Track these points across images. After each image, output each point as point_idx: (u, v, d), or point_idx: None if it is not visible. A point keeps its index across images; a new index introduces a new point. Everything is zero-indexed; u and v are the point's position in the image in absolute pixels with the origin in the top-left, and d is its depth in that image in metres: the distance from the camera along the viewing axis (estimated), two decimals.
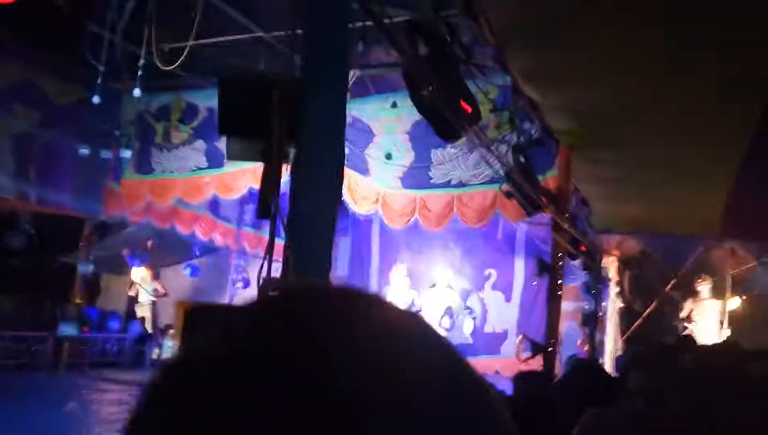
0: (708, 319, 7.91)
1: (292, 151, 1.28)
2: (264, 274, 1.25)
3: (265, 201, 1.26)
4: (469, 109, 2.39)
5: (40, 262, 10.79)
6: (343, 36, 1.36)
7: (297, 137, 1.22)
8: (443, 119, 2.36)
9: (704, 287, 8.12)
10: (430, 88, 2.18)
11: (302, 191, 1.26)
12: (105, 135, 9.75)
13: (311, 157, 1.25)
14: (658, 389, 2.01)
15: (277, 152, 1.21)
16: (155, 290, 11.67)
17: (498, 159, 4.09)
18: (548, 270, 4.76)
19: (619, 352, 8.18)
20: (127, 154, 9.89)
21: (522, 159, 4.45)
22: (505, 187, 4.66)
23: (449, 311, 11.40)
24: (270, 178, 1.25)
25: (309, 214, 1.25)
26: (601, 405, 2.05)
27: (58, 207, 10.06)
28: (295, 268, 1.21)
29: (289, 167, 1.30)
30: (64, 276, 11.26)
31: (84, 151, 9.71)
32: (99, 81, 7.45)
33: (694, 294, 8.23)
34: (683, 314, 8.13)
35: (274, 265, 1.26)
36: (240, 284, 12.58)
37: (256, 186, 7.35)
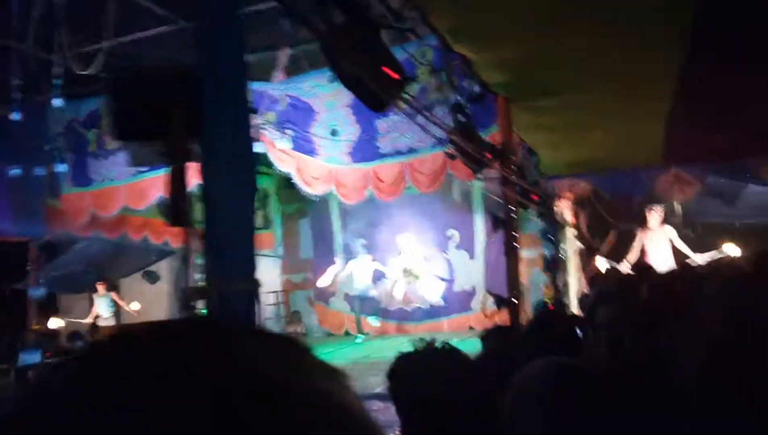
0: (660, 248, 8.17)
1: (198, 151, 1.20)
2: (183, 283, 1.18)
3: (175, 207, 1.18)
4: (396, 76, 2.32)
5: None
6: (237, 21, 1.27)
7: (198, 134, 1.14)
8: (368, 90, 2.29)
9: (653, 217, 8.36)
10: (350, 59, 2.09)
11: (214, 191, 1.18)
12: (36, 151, 9.28)
13: (217, 154, 1.17)
14: (614, 323, 2.03)
15: (178, 153, 1.13)
16: (113, 302, 11.33)
17: (436, 123, 4.04)
18: (503, 224, 4.80)
19: (583, 292, 8.42)
20: (62, 168, 9.46)
21: (461, 117, 4.42)
22: (449, 149, 4.64)
23: (419, 275, 11.50)
24: (176, 182, 1.16)
25: (224, 213, 1.17)
26: (565, 351, 2.07)
27: None
28: (216, 273, 1.14)
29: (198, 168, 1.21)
30: (17, 303, 10.82)
31: (15, 171, 9.23)
32: (16, 96, 7.02)
33: (644, 225, 8.46)
34: (635, 245, 8.36)
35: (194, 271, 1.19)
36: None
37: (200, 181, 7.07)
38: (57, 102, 7.49)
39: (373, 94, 2.32)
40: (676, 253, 8.10)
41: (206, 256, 1.14)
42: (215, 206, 1.17)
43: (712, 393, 1.22)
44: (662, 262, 7.61)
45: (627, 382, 1.45)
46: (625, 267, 7.87)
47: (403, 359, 1.43)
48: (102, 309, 11.21)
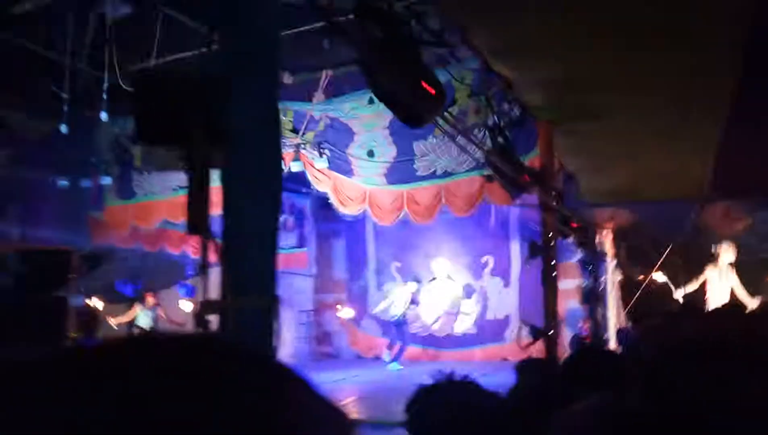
0: (721, 288, 7.84)
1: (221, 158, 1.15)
2: (201, 296, 1.12)
3: (192, 214, 1.13)
4: (432, 91, 2.25)
5: (30, 300, 10.62)
6: (271, 28, 1.23)
7: (223, 140, 1.09)
8: (405, 105, 2.22)
9: (725, 255, 8.05)
10: (387, 73, 2.05)
11: (236, 202, 1.13)
12: (82, 164, 9.60)
13: (243, 163, 1.12)
14: (655, 361, 1.88)
15: (198, 158, 1.08)
16: (155, 314, 11.49)
17: (476, 144, 3.96)
18: (540, 251, 4.64)
19: (621, 325, 8.10)
20: (107, 181, 9.74)
21: (500, 139, 4.32)
22: (487, 171, 4.53)
23: (452, 303, 11.33)
24: (194, 188, 1.12)
25: (245, 225, 1.12)
26: (606, 387, 1.92)
27: (44, 242, 9.89)
28: (232, 286, 1.08)
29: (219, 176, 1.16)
30: (57, 311, 11.09)
31: (63, 182, 9.56)
32: (66, 110, 7.28)
33: (707, 260, 8.16)
34: (699, 278, 8.06)
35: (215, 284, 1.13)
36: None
37: None
38: (104, 117, 7.73)
39: (410, 110, 2.25)
40: (733, 296, 7.77)
41: (222, 268, 1.08)
42: (235, 216, 1.11)
43: None
44: (719, 301, 7.28)
45: (679, 426, 1.31)
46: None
47: (422, 392, 1.34)
48: (143, 320, 11.36)
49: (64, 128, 7.60)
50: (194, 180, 1.10)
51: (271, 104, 1.15)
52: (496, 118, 4.48)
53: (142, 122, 1.07)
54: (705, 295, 7.79)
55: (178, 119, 1.08)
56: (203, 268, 1.11)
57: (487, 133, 4.62)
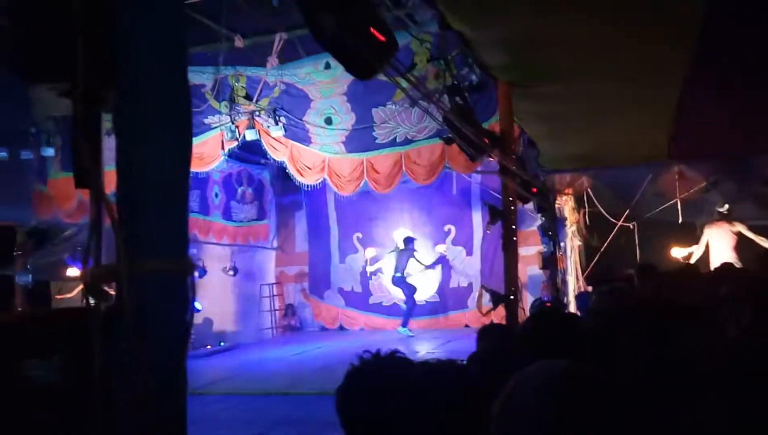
0: (723, 244, 7.87)
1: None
2: (91, 257, 0.94)
3: (79, 162, 0.95)
4: (382, 38, 2.07)
5: None
6: None
7: (113, 68, 0.90)
8: (352, 53, 2.04)
9: (720, 213, 8.07)
10: (332, 18, 1.86)
11: (132, 149, 0.94)
12: (22, 135, 9.02)
13: (139, 104, 0.93)
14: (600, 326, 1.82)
15: (83, 95, 0.89)
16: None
17: (435, 103, 3.79)
18: (501, 216, 4.56)
19: (581, 290, 8.21)
20: (49, 152, 9.20)
21: (458, 100, 4.17)
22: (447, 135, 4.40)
23: (411, 271, 11.31)
24: (79, 131, 0.93)
25: (145, 175, 0.94)
26: (563, 350, 1.84)
27: None
28: (134, 251, 0.90)
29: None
30: (3, 290, 10.59)
31: (1, 154, 8.98)
32: None
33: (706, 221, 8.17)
34: (702, 240, 8.10)
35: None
36: (195, 273, 12.07)
37: (193, 170, 6.83)
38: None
39: (358, 58, 2.07)
40: (739, 247, 7.81)
41: (117, 227, 0.90)
42: (131, 165, 0.93)
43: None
44: (724, 258, 7.34)
45: (639, 392, 1.24)
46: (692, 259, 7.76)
47: (349, 374, 1.23)
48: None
49: None
50: (78, 121, 0.91)
51: (175, 38, 0.96)
52: (455, 81, 4.32)
53: (12, 49, 0.87)
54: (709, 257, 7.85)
55: (57, 48, 0.88)
56: (95, 228, 0.93)
57: (446, 95, 4.46)
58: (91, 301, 0.92)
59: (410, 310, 10.34)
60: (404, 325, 10.23)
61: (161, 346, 0.90)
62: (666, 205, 8.54)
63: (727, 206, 8.03)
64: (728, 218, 7.97)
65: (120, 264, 0.89)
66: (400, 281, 10.47)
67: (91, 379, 0.87)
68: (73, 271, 10.27)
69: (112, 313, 0.90)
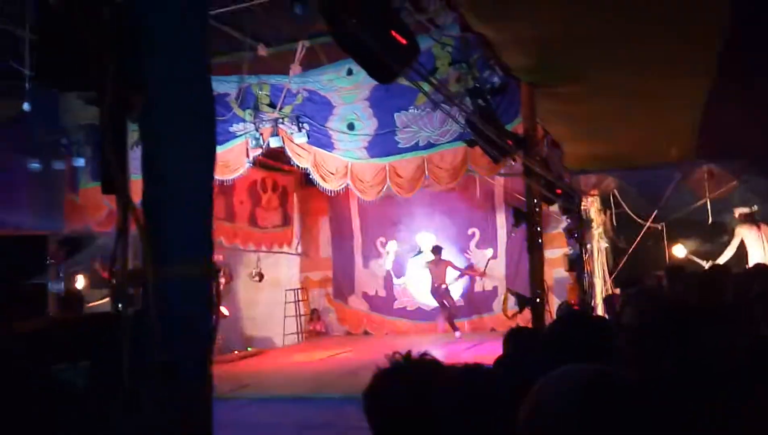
0: (759, 246, 7.71)
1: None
2: (117, 263, 0.96)
3: (107, 168, 0.97)
4: (403, 41, 2.07)
5: (6, 288, 10.38)
6: None
7: (141, 87, 0.92)
8: (373, 56, 2.04)
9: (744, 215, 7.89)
10: (352, 21, 1.86)
11: (158, 156, 0.96)
12: (53, 146, 9.27)
13: (165, 113, 0.94)
14: (638, 327, 1.80)
15: (110, 101, 0.91)
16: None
17: (457, 105, 3.77)
18: (525, 218, 4.52)
19: (609, 292, 8.07)
20: (80, 162, 9.43)
21: (481, 102, 4.15)
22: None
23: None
24: (107, 137, 0.95)
25: (169, 181, 0.95)
26: (591, 353, 1.81)
27: (17, 228, 9.60)
28: (159, 256, 0.92)
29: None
30: (37, 298, 10.86)
31: (35, 165, 9.23)
32: (28, 87, 6.94)
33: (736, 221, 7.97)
34: (734, 241, 7.92)
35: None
36: (222, 280, 12.21)
37: (220, 177, 6.94)
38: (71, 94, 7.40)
39: (380, 62, 2.07)
40: None
41: (142, 232, 0.92)
42: (155, 171, 0.95)
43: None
44: (758, 258, 7.17)
45: (665, 395, 1.21)
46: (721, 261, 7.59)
47: (379, 375, 1.21)
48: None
49: (26, 106, 7.25)
50: (104, 128, 0.93)
51: (198, 47, 0.98)
52: (476, 83, 4.30)
53: (44, 61, 0.89)
54: (746, 257, 7.64)
55: (86, 58, 0.90)
56: (121, 234, 0.95)
57: (468, 97, 4.44)
58: (119, 307, 0.94)
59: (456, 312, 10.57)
60: (456, 328, 10.36)
61: (186, 350, 0.92)
62: (696, 206, 8.35)
63: (755, 207, 7.82)
64: (754, 220, 7.79)
65: (146, 268, 0.90)
66: (445, 293, 10.52)
67: (119, 383, 0.89)
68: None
69: (138, 318, 0.92)
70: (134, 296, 0.95)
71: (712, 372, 1.24)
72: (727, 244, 8.12)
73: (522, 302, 4.46)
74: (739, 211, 7.90)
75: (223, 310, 12.06)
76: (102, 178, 0.99)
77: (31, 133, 8.68)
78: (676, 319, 1.44)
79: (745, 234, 7.88)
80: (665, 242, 9.07)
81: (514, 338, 2.93)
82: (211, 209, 1.00)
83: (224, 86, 8.81)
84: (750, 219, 7.87)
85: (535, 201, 4.62)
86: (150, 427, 0.88)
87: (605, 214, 9.04)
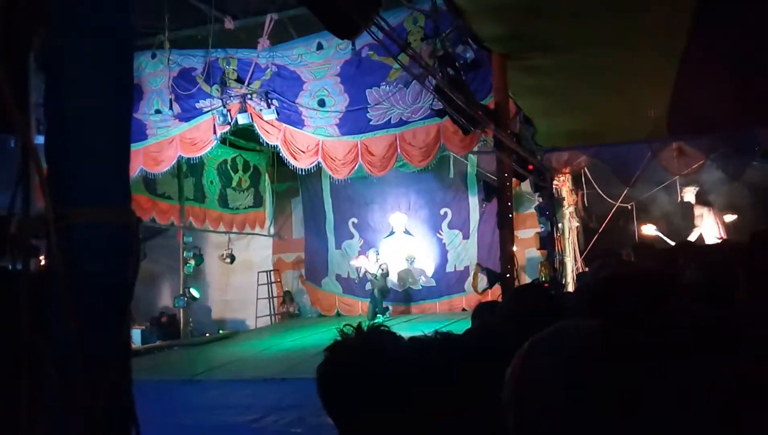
0: (711, 226, 8.00)
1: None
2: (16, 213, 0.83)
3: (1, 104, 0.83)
4: None
5: None
6: None
7: (40, 8, 0.79)
8: (334, 9, 1.90)
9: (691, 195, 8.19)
10: None
11: (62, 85, 0.83)
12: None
13: (70, 36, 0.81)
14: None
15: (3, 30, 0.78)
16: None
17: (421, 65, 3.63)
18: (496, 193, 4.45)
19: (580, 271, 8.12)
20: (40, 139, 9.06)
21: (451, 71, 4.04)
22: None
23: (409, 256, 11.22)
24: (2, 68, 0.81)
25: (77, 109, 0.82)
26: (543, 324, 1.77)
27: None
28: (63, 196, 0.79)
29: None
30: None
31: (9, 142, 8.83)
32: None
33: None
34: (698, 220, 8.18)
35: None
36: (192, 262, 11.96)
37: (186, 155, 6.67)
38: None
39: (340, 15, 1.93)
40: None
41: (41, 172, 0.79)
42: (61, 104, 0.82)
43: None
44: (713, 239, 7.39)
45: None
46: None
47: (328, 350, 1.14)
48: None
49: None
50: None
51: None
52: (447, 51, 4.18)
53: None
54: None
55: None
56: (22, 176, 0.82)
57: (438, 67, 4.32)
58: (18, 261, 0.82)
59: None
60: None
61: (98, 310, 0.80)
62: (665, 184, 8.43)
63: (692, 189, 8.15)
64: (706, 201, 8.14)
65: (47, 214, 0.78)
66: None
67: (19, 349, 0.76)
68: None
69: (41, 273, 0.80)
70: (37, 248, 0.83)
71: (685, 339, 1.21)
72: (694, 223, 8.30)
73: (492, 278, 4.41)
74: (687, 190, 8.19)
75: (195, 292, 11.87)
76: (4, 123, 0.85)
77: None
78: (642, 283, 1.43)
79: (705, 214, 8.12)
80: (635, 222, 9.16)
81: (482, 312, 2.88)
82: (128, 149, 0.88)
83: (190, 60, 8.51)
84: (702, 200, 8.18)
85: (506, 175, 4.55)
86: (56, 399, 0.76)
87: (577, 193, 9.08)
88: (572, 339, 0.88)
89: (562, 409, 0.78)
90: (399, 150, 8.16)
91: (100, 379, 0.77)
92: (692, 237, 8.09)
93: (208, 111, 8.50)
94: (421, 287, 11.16)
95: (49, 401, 0.77)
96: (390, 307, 10.71)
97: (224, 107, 8.34)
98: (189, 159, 9.39)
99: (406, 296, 11.26)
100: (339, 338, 1.19)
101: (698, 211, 8.29)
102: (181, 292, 11.40)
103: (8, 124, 0.83)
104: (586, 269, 8.20)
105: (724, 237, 7.17)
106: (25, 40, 0.81)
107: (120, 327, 0.81)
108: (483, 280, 5.78)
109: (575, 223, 8.96)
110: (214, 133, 8.57)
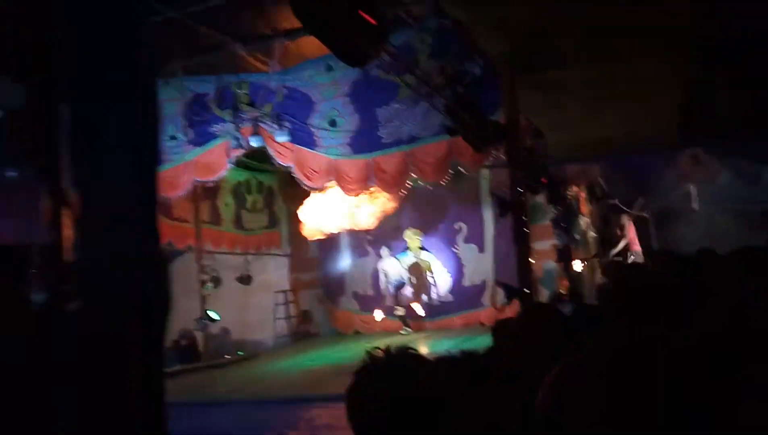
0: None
1: None
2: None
3: (35, 153, 0.86)
4: (373, 21, 1.97)
5: None
6: None
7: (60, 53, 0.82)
8: (342, 39, 1.94)
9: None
10: (319, 3, 1.76)
11: (90, 132, 0.86)
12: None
13: (95, 83, 0.85)
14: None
15: (30, 67, 0.82)
16: None
17: (434, 89, 3.67)
18: (510, 207, 4.45)
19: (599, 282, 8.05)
20: None
21: (460, 89, 4.07)
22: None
23: (426, 272, 11.20)
24: (31, 110, 0.84)
25: (105, 158, 0.86)
26: (554, 347, 1.77)
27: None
28: (87, 241, 0.82)
29: None
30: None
31: (11, 173, 9.02)
32: None
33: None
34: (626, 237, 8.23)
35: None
36: (210, 284, 12.03)
37: (201, 179, 6.77)
38: None
39: (348, 44, 1.97)
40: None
41: (76, 220, 0.83)
42: (89, 152, 0.86)
43: None
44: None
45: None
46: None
47: (358, 374, 1.16)
48: None
49: None
50: (28, 98, 0.83)
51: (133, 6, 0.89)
52: (455, 70, 4.22)
53: None
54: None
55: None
56: (54, 224, 0.85)
57: (447, 86, 4.35)
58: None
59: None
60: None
61: (129, 351, 0.82)
62: (680, 193, 8.35)
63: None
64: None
65: (79, 255, 0.81)
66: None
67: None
68: None
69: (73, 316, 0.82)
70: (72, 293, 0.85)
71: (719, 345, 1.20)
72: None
73: (510, 293, 4.39)
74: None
75: (214, 314, 11.92)
76: (34, 163, 0.89)
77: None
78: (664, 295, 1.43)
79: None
80: (653, 231, 9.07)
81: (502, 329, 2.88)
82: (154, 187, 0.90)
83: (202, 86, 8.66)
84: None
85: (520, 190, 4.55)
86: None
87: (592, 204, 9.03)
88: (605, 362, 0.88)
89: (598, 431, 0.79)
90: (411, 167, 8.19)
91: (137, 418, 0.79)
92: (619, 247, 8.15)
93: (222, 135, 8.62)
94: (438, 303, 11.12)
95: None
96: (410, 323, 10.71)
97: (237, 131, 8.46)
98: (204, 183, 9.52)
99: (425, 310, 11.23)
100: (367, 360, 1.21)
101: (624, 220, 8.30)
102: (199, 314, 11.46)
103: (44, 171, 0.86)
104: (606, 280, 8.14)
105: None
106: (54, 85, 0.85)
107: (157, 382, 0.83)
108: (501, 295, 5.75)
109: (592, 234, 8.90)
110: (228, 156, 8.68)
